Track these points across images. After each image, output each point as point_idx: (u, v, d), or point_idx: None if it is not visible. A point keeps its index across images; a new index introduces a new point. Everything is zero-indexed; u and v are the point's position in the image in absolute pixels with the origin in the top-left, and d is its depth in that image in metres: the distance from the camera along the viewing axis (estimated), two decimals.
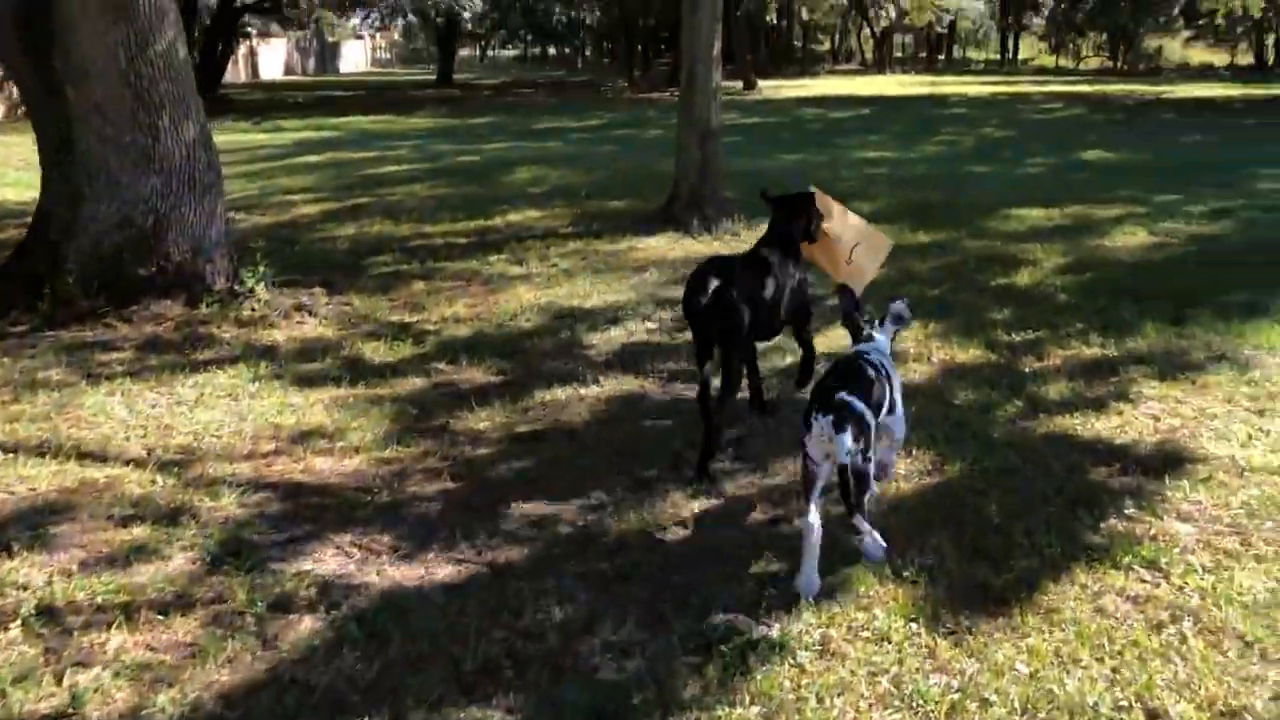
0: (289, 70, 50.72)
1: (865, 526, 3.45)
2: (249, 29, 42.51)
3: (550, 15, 42.77)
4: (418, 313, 6.92)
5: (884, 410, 3.77)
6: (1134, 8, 53.25)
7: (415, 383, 5.49)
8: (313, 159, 15.31)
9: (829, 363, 4.61)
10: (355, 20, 51.30)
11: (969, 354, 5.95)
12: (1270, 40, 59.05)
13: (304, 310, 6.75)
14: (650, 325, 6.62)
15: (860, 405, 3.48)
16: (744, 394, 4.83)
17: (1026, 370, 5.63)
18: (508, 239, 9.21)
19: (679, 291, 7.55)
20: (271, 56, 48.45)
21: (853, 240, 4.96)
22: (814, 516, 3.35)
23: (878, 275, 5.19)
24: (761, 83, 35.82)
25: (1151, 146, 16.31)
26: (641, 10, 42.73)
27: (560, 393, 5.31)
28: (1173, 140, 17.56)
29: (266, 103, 29.57)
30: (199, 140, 6.76)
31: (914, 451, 4.45)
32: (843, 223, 5.05)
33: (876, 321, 4.11)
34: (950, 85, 35.11)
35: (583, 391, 5.34)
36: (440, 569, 3.55)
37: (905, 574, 3.46)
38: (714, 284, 4.29)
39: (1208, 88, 33.99)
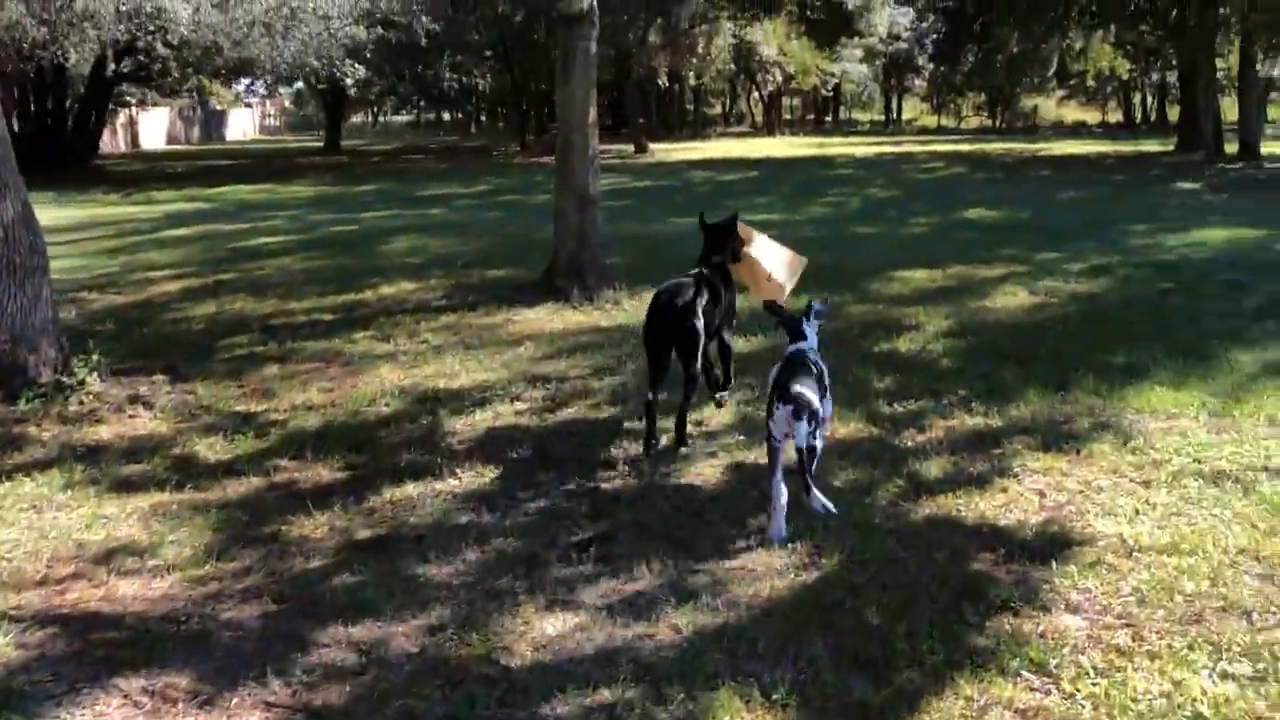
0: (172, 139, 49.50)
1: (815, 493, 4.29)
2: (128, 98, 41.38)
3: (440, 81, 42.50)
4: (267, 400, 6.41)
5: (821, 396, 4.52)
6: (1009, 69, 55.56)
7: (251, 483, 4.98)
8: (182, 232, 14.61)
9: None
10: (240, 88, 50.48)
11: (850, 428, 5.69)
12: (1137, 99, 62.21)
13: (139, 402, 6.19)
14: (520, 406, 6.22)
15: (811, 395, 4.28)
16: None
17: (909, 444, 5.39)
18: (377, 314, 8.75)
19: (554, 366, 7.26)
20: (153, 126, 47.22)
21: (772, 260, 6.12)
22: (779, 479, 4.17)
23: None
24: (653, 145, 36.08)
25: (1031, 204, 16.65)
26: (533, 75, 42.84)
27: (412, 489, 4.87)
28: (1050, 197, 17.99)
29: (143, 173, 28.61)
30: (19, 219, 6.19)
31: (792, 544, 4.12)
32: (762, 247, 6.19)
33: (804, 320, 5.01)
34: (837, 146, 35.85)
35: (437, 487, 4.90)
36: (246, 717, 3.07)
37: (775, 695, 3.10)
38: (675, 307, 5.35)
39: (1081, 145, 35.34)
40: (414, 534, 4.37)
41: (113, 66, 24.19)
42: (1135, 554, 4.02)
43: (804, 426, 4.11)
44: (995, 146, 34.32)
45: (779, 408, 4.21)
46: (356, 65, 23.25)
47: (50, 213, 17.46)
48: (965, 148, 33.52)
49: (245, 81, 42.17)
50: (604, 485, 4.91)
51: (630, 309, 8.71)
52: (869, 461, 5.13)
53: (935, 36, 53.49)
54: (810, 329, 4.97)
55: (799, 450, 4.17)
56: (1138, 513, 4.42)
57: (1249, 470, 4.85)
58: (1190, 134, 28.16)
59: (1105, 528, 4.27)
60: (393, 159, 35.07)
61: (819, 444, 4.33)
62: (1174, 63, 35.25)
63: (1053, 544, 4.12)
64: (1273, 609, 3.58)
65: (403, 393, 6.52)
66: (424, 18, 22.36)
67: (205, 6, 20.67)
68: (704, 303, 5.41)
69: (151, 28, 20.35)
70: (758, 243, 6.12)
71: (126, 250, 12.95)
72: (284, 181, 24.91)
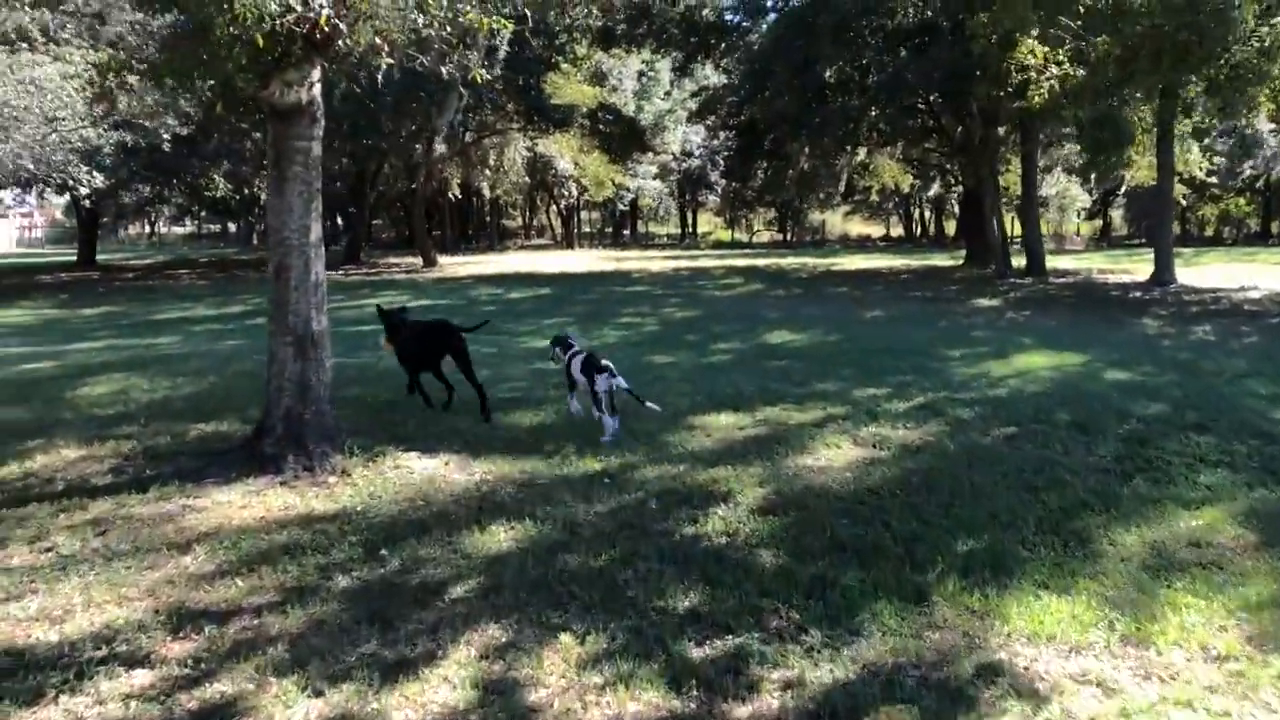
0: None
1: (609, 418, 7.63)
2: None
3: (214, 189, 39.41)
4: None
5: None
6: (800, 184, 57.17)
7: None
8: None
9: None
10: (3, 197, 45.62)
11: (644, 701, 3.83)
12: (916, 214, 65.33)
13: None
14: (142, 679, 4.05)
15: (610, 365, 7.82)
16: None
17: None
18: (6, 502, 6.34)
19: (225, 592, 5.05)
20: None
21: None
22: (606, 414, 7.65)
23: None
24: (446, 259, 34.34)
25: (836, 325, 15.64)
26: (328, 182, 40.48)
27: None
28: (855, 317, 17.13)
29: None
30: None
31: None
32: None
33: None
34: (634, 261, 35.04)
35: None
36: None
37: None
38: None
39: (871, 259, 35.83)
40: None
41: None
42: None
43: (619, 380, 7.68)
44: (789, 261, 34.31)
45: (606, 374, 7.64)
46: (93, 172, 20.36)
47: None
48: (760, 262, 33.29)
49: (14, 193, 37.87)
50: None
51: (362, 484, 6.67)
52: None
53: (727, 153, 54.58)
54: (578, 344, 8.42)
55: (609, 396, 7.62)
56: None
57: None
58: (977, 248, 28.60)
59: None
60: (149, 274, 31.75)
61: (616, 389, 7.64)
62: (958, 179, 36.41)
63: None
64: None
65: None
66: (170, 120, 19.86)
67: None
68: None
69: None
70: None
71: None
72: (5, 304, 21.56)
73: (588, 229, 63.98)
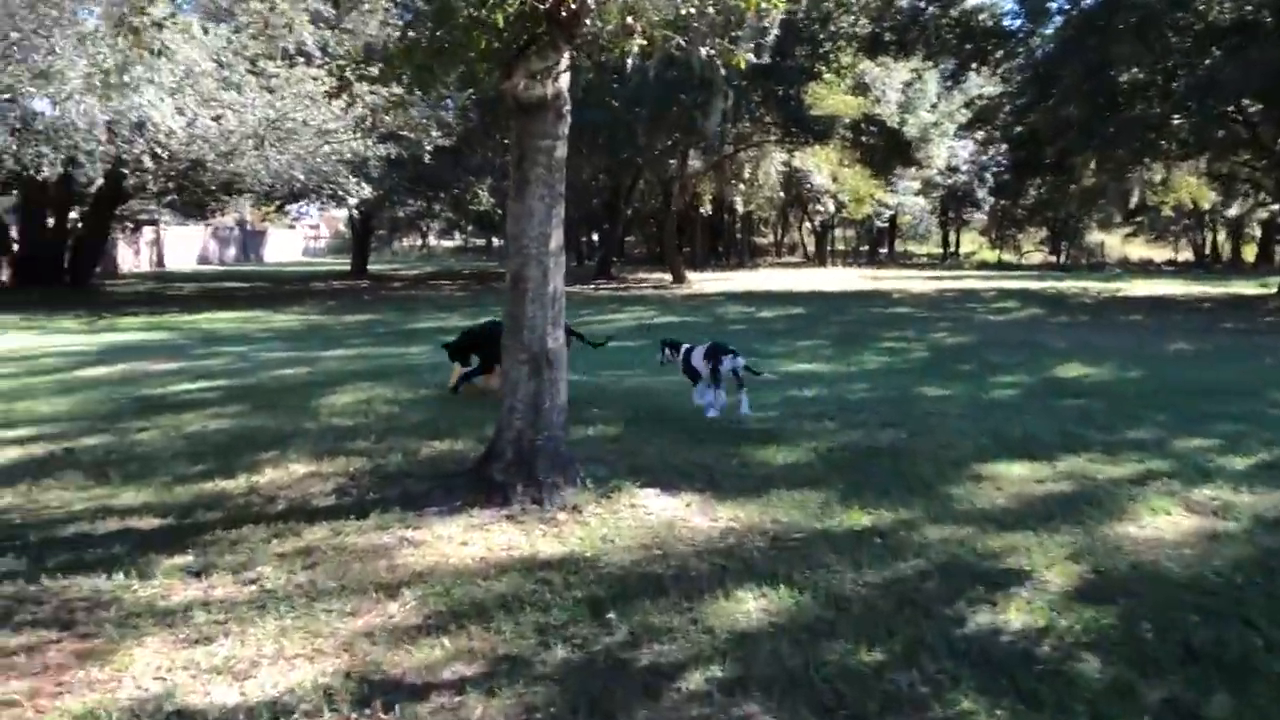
0: (204, 260, 48.29)
1: (719, 396, 8.75)
2: (157, 217, 40.22)
3: (478, 204, 40.77)
4: None
5: None
6: (1082, 201, 53.05)
7: None
8: (99, 372, 12.14)
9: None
10: (293, 209, 49.40)
11: None
12: (1210, 237, 59.07)
13: None
14: None
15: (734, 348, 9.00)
16: None
17: None
18: (219, 522, 5.96)
19: (426, 653, 4.28)
20: (183, 245, 46.01)
21: None
22: (718, 396, 8.70)
23: None
24: (694, 275, 33.86)
25: (1135, 359, 13.68)
26: (584, 197, 41.11)
27: None
28: (1156, 351, 15.00)
29: (135, 296, 26.72)
30: None
31: None
32: None
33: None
34: (892, 280, 33.30)
35: None
36: None
37: None
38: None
39: (1161, 283, 32.41)
40: None
41: (99, 181, 22.33)
42: None
43: (740, 360, 8.80)
44: (1068, 284, 31.47)
45: (726, 357, 8.74)
46: (361, 183, 21.07)
47: None
48: (1033, 285, 30.69)
49: (299, 204, 40.85)
50: None
51: (594, 524, 5.88)
52: None
53: (997, 168, 51.45)
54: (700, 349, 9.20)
55: (733, 373, 8.76)
56: None
57: None
58: None
59: None
60: (414, 285, 33.03)
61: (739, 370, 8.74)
62: (1272, 197, 32.33)
63: None
64: None
65: (130, 717, 3.67)
66: (434, 132, 20.24)
67: (203, 119, 18.81)
68: None
69: (132, 140, 18.37)
70: None
71: (9, 397, 10.43)
72: (279, 308, 22.72)
73: (841, 246, 62.04)
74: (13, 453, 7.85)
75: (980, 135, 40.95)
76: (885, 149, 32.89)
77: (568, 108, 6.63)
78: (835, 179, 32.83)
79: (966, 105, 35.43)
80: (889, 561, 5.28)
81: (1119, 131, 24.68)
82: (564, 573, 5.08)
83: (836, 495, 6.44)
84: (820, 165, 32.57)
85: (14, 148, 17.62)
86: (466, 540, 5.62)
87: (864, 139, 32.14)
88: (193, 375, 11.72)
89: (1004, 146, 37.07)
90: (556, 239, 6.69)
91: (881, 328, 18.00)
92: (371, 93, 13.74)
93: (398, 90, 11.91)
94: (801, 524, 5.90)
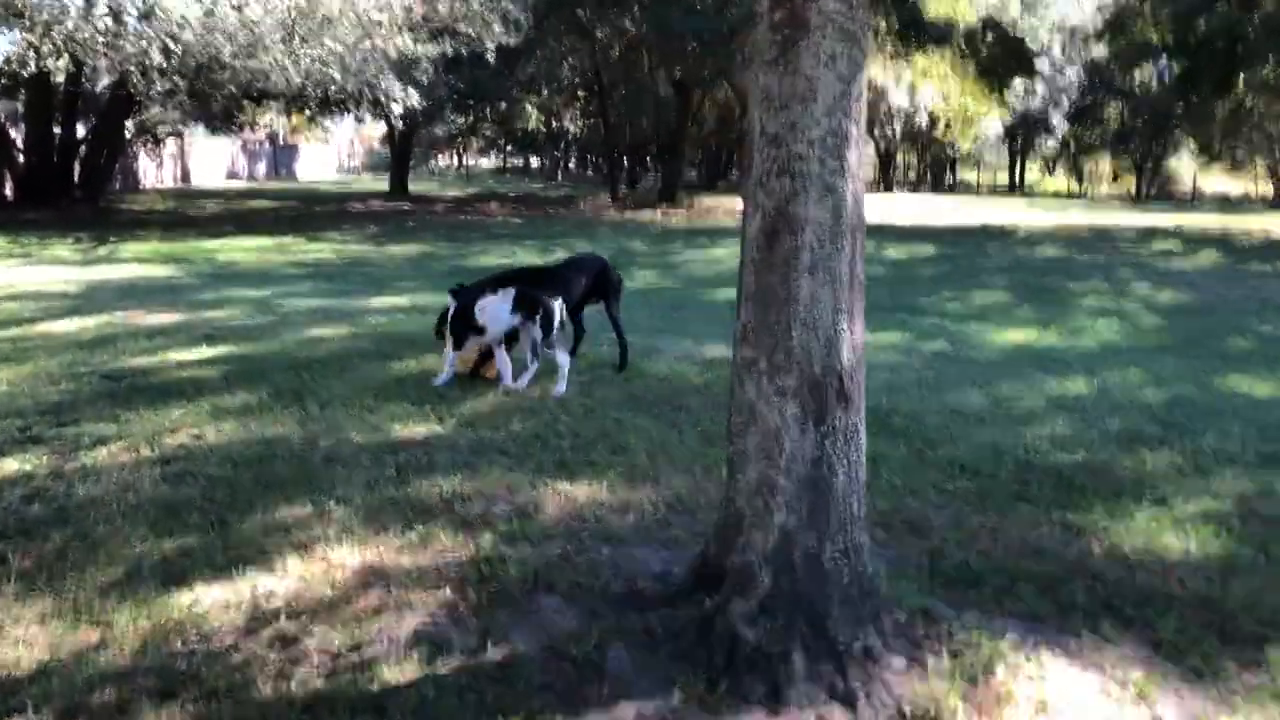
0: (232, 175, 45.01)
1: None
2: (182, 129, 36.90)
3: (525, 121, 37.15)
4: None
5: None
6: (1166, 131, 48.40)
7: None
8: (70, 326, 9.02)
9: None
10: (328, 122, 45.91)
11: None
12: None
13: None
14: None
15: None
16: None
17: None
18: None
19: None
20: (210, 159, 42.72)
21: None
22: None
23: None
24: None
25: None
26: (630, 120, 37.33)
27: None
28: None
29: (150, 216, 23.60)
30: None
31: None
32: None
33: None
34: (990, 211, 29.45)
35: None
36: None
37: None
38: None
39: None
40: None
41: (104, 84, 19.03)
42: None
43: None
44: (1197, 220, 27.61)
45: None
46: (408, 88, 17.59)
47: None
48: (1160, 221, 26.81)
49: (338, 117, 37.29)
50: None
51: None
52: None
53: (1077, 93, 46.87)
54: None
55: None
56: None
57: None
58: None
59: None
60: (459, 208, 29.65)
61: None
62: None
63: None
64: None
65: None
66: (496, 27, 16.71)
67: (223, 5, 15.45)
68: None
69: (140, 32, 15.04)
70: None
71: None
72: (312, 234, 19.50)
73: (901, 174, 57.78)
74: None
75: (1112, 47, 35.19)
76: (1004, 58, 28.65)
77: None
78: (945, 97, 28.79)
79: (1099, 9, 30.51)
80: None
81: None
82: None
83: None
84: (925, 77, 28.43)
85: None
86: None
87: (981, 48, 28.00)
88: (193, 336, 8.54)
89: (1162, 56, 32.14)
90: (856, 150, 3.39)
91: (1058, 277, 14.51)
92: None
93: None
94: None
